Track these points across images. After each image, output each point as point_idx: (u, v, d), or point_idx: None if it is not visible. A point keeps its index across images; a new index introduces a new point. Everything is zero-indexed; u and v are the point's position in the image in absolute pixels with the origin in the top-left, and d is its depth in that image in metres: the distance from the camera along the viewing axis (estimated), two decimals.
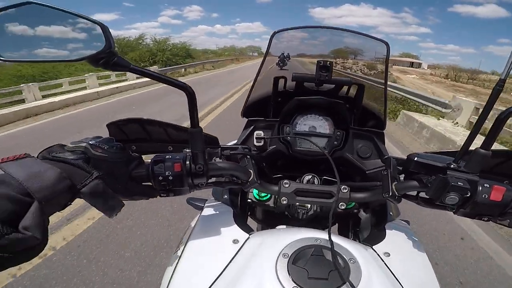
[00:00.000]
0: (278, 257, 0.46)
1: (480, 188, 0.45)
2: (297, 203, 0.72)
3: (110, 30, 0.39)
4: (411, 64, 72.84)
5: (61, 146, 0.46)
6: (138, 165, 0.50)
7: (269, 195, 0.77)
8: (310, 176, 0.75)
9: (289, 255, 0.46)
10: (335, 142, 0.77)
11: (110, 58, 0.40)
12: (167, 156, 0.50)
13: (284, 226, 0.69)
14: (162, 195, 0.52)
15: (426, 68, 70.11)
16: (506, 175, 0.55)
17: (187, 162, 0.49)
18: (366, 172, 0.75)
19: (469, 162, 0.44)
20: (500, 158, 0.56)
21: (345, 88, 0.80)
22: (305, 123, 0.80)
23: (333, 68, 0.73)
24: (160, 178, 0.48)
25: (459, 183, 0.43)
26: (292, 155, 0.78)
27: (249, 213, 0.86)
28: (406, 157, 0.53)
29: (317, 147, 0.72)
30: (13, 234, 0.31)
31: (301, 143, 0.77)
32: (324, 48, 0.88)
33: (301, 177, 0.76)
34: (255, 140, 0.76)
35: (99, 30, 0.39)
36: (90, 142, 0.47)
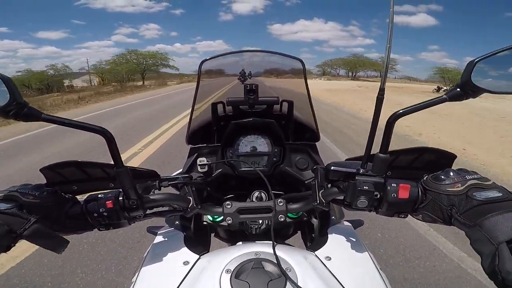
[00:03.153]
0: (221, 273, 0.48)
1: (389, 188, 0.49)
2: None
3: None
4: None
5: None
6: (73, 204, 0.53)
7: (222, 216, 0.78)
8: (258, 193, 0.78)
9: (232, 270, 0.48)
10: (274, 159, 0.81)
11: (20, 109, 0.40)
12: (99, 195, 0.52)
13: (241, 243, 0.71)
14: (101, 229, 0.54)
15: None
16: (420, 169, 0.61)
17: (120, 198, 0.51)
18: (305, 182, 0.80)
19: (374, 166, 0.48)
20: (411, 154, 0.62)
21: (278, 106, 0.85)
22: (246, 144, 0.83)
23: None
24: (95, 214, 0.51)
25: (365, 187, 0.47)
26: (239, 175, 0.81)
27: (213, 234, 0.87)
28: (325, 166, 0.57)
29: (255, 167, 0.76)
30: None
31: (244, 164, 0.80)
32: (254, 70, 0.94)
33: (251, 194, 0.79)
34: (199, 167, 0.78)
35: (2, 83, 0.39)
36: (19, 190, 0.48)
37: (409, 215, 0.53)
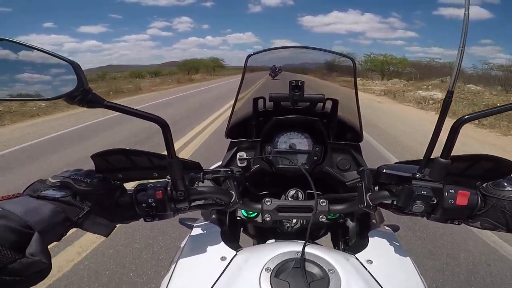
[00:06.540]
0: (261, 271, 0.47)
1: (446, 194, 0.47)
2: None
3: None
4: None
5: (42, 182, 0.48)
6: (122, 193, 0.54)
7: (256, 212, 0.78)
8: (294, 191, 0.77)
9: (272, 269, 0.47)
10: (314, 158, 0.79)
11: (85, 95, 0.41)
12: (149, 185, 0.52)
13: (273, 240, 0.70)
14: (147, 219, 0.54)
15: None
16: (476, 177, 0.57)
17: (168, 189, 0.52)
18: (346, 183, 0.78)
19: (432, 170, 0.46)
20: (466, 162, 0.58)
21: (321, 104, 0.83)
22: (285, 141, 0.82)
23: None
24: (144, 205, 0.51)
25: (423, 192, 0.45)
26: (276, 172, 0.80)
27: (242, 229, 0.87)
28: (376, 169, 0.55)
29: (298, 164, 0.75)
30: (24, 259, 0.35)
31: (282, 160, 0.79)
32: (299, 66, 0.92)
33: (286, 192, 0.78)
34: (238, 161, 0.78)
35: (71, 68, 0.40)
36: (72, 177, 0.49)
37: (463, 223, 0.51)
